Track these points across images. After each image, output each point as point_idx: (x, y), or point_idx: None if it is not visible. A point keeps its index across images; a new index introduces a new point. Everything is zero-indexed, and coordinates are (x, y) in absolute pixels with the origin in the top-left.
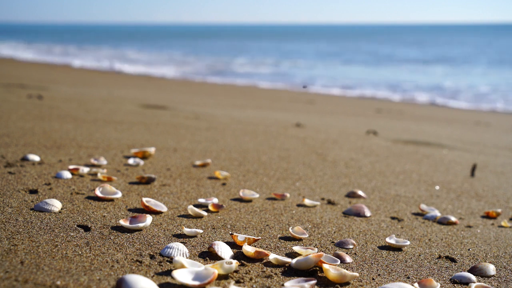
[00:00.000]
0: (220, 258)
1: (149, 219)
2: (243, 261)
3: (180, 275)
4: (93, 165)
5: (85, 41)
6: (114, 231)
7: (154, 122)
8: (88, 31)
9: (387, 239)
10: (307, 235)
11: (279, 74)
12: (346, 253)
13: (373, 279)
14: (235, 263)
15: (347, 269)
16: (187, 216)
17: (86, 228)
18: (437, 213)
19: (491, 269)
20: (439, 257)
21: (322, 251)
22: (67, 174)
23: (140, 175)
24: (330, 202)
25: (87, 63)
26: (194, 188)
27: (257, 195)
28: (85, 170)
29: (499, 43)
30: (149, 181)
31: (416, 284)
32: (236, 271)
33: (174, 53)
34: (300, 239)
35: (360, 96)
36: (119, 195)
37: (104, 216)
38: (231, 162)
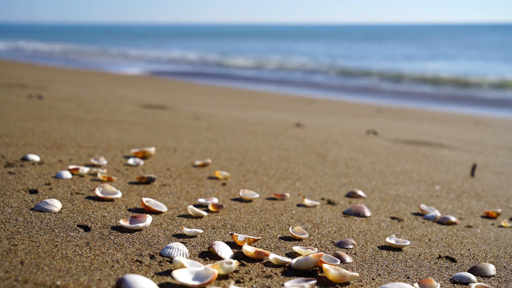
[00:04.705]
0: (220, 258)
1: (149, 219)
2: (243, 261)
3: (180, 275)
4: (93, 165)
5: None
6: (114, 231)
7: (154, 122)
8: (83, 31)
9: (387, 239)
10: (307, 235)
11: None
12: (346, 253)
13: (373, 279)
14: (235, 263)
15: (347, 269)
16: (187, 216)
17: (86, 228)
18: (437, 213)
19: (491, 269)
20: (439, 257)
21: (322, 251)
22: (67, 174)
23: (140, 175)
24: (330, 202)
25: None
26: (194, 188)
27: (257, 195)
28: (85, 170)
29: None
30: (149, 181)
31: (416, 284)
32: (236, 271)
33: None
34: (300, 239)
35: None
36: (119, 195)
37: (104, 216)
38: (231, 162)
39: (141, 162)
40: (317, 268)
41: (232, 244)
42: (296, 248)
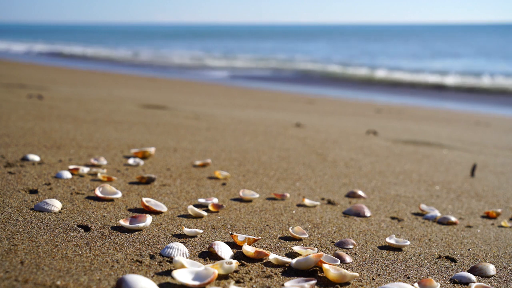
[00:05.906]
0: (220, 258)
1: (149, 219)
2: (243, 261)
3: (180, 275)
4: (93, 165)
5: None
6: (114, 231)
7: (154, 122)
8: (85, 32)
9: (387, 239)
10: (307, 235)
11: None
12: (346, 253)
13: (373, 279)
14: (235, 263)
15: (347, 269)
16: (187, 216)
17: (86, 228)
18: (437, 213)
19: (491, 269)
20: (439, 257)
21: (322, 251)
22: (67, 174)
23: (140, 175)
24: (330, 202)
25: None
26: (194, 188)
27: (257, 195)
28: (85, 170)
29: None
30: (149, 181)
31: (416, 284)
32: (236, 271)
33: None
34: (300, 239)
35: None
36: (119, 195)
37: (104, 216)
38: (231, 162)
39: (141, 162)
40: (317, 268)
41: (232, 244)
42: (296, 248)
